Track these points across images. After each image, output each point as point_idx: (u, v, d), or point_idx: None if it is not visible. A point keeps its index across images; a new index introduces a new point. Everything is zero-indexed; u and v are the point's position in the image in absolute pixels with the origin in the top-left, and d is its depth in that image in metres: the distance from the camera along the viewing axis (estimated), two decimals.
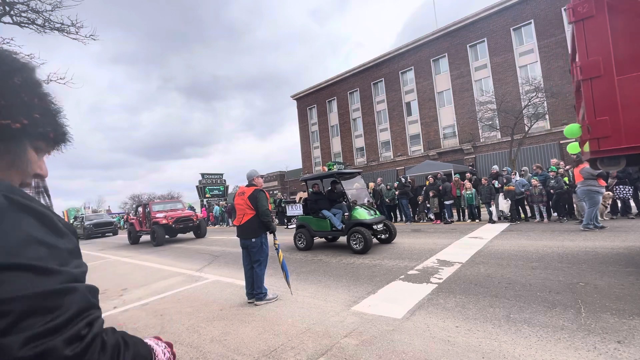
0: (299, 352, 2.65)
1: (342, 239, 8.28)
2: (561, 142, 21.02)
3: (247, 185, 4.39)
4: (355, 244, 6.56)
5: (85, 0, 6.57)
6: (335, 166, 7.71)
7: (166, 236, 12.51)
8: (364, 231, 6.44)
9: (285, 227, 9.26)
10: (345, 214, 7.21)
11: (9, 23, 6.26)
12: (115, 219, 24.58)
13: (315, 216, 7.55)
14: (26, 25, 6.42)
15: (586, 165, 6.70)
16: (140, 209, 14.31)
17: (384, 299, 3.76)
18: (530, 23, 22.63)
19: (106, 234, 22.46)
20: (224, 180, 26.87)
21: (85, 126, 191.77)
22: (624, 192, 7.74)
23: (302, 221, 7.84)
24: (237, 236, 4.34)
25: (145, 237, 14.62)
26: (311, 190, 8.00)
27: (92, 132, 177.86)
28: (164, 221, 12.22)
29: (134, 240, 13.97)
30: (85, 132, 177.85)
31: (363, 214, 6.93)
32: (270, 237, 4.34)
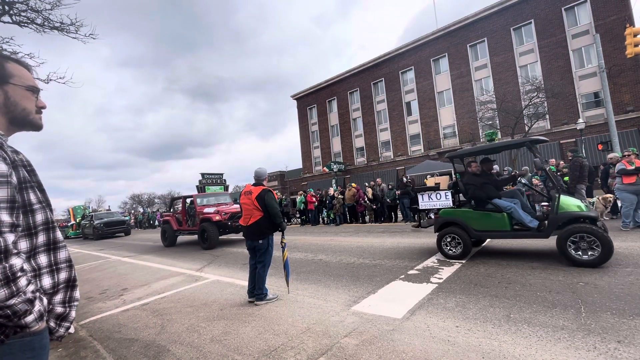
0: (299, 352, 2.65)
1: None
2: (561, 141, 21.02)
3: (254, 184, 4.20)
4: (582, 251, 4.14)
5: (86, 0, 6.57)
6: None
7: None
8: (596, 231, 4.04)
9: (418, 225, 6.63)
10: (543, 204, 5.23)
11: (8, 22, 6.25)
12: (126, 218, 23.34)
13: (477, 208, 5.20)
14: (25, 24, 6.40)
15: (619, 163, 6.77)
16: (177, 203, 11.85)
17: (384, 298, 3.76)
18: (530, 23, 22.64)
19: (117, 234, 20.56)
20: (224, 180, 26.83)
21: (90, 127, 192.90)
22: None
23: (451, 216, 5.40)
24: (244, 236, 4.24)
25: (183, 238, 12.83)
26: (469, 170, 5.53)
27: (97, 133, 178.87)
28: (217, 217, 9.78)
29: (170, 242, 11.50)
30: (90, 133, 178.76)
31: (576, 204, 4.47)
32: (277, 236, 4.24)
